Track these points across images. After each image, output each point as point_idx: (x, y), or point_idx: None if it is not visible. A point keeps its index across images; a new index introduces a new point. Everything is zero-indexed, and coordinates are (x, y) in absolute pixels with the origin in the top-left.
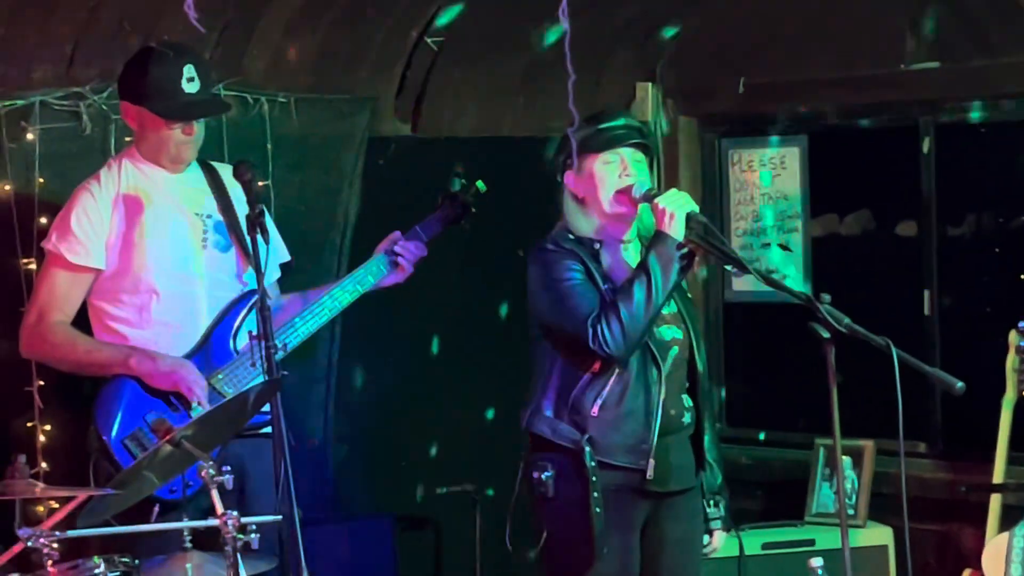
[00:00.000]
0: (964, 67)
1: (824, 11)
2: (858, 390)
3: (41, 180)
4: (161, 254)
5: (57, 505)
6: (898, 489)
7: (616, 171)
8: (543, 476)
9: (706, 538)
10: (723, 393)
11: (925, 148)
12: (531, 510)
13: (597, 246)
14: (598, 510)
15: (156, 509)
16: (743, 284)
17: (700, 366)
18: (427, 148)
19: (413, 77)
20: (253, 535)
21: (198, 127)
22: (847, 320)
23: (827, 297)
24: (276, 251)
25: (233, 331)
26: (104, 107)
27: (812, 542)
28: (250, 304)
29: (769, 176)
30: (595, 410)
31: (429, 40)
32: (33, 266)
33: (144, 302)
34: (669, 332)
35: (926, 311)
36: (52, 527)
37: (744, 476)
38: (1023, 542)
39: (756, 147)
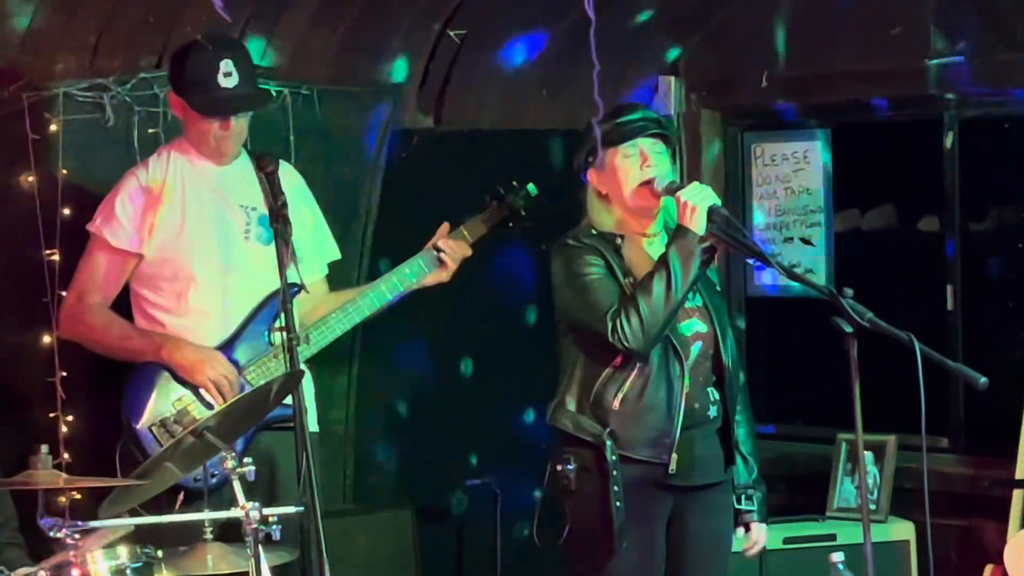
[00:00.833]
0: (988, 61)
1: (848, 4)
2: (880, 385)
3: (64, 171)
4: (202, 244)
5: (79, 496)
6: (920, 484)
7: (636, 163)
8: (566, 468)
9: (740, 531)
10: None
11: (948, 143)
12: (555, 503)
13: (619, 240)
14: (618, 504)
15: (180, 497)
16: (765, 278)
17: (726, 359)
18: (449, 140)
19: (436, 69)
20: (274, 526)
21: (237, 121)
22: (870, 314)
23: (850, 291)
24: (324, 248)
25: (269, 324)
26: (128, 99)
27: (833, 537)
28: (289, 298)
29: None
30: (616, 404)
31: (452, 33)
32: (56, 257)
33: (182, 290)
34: (693, 326)
35: (949, 306)
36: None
37: (765, 471)
38: None
39: (779, 141)
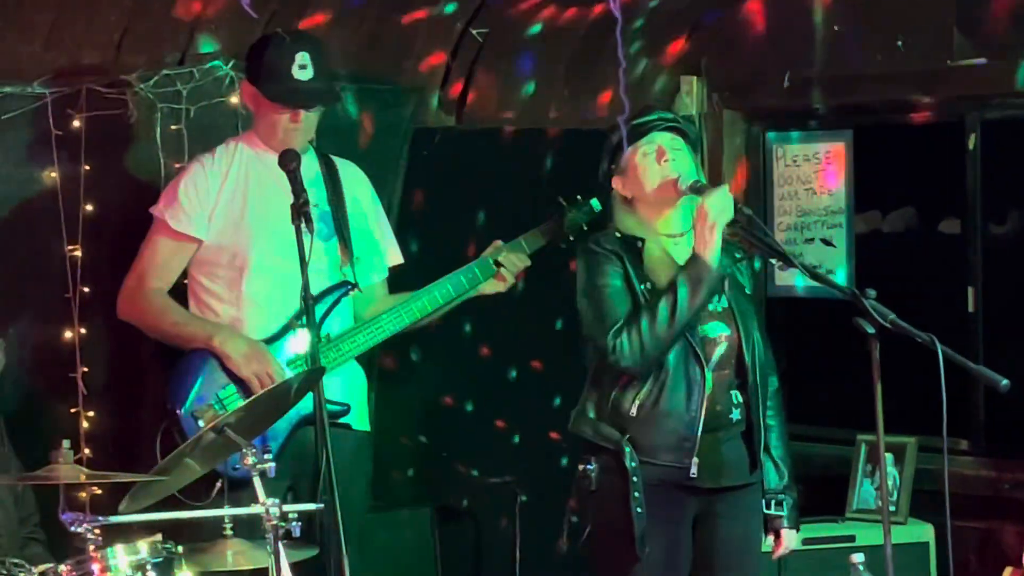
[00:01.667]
0: (1011, 63)
1: (871, 5)
2: (900, 386)
3: (87, 167)
4: (260, 235)
5: (99, 491)
6: (940, 486)
7: (654, 157)
8: (587, 469)
9: (770, 538)
10: None
11: (971, 144)
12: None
13: (640, 244)
14: (639, 510)
15: (218, 485)
16: (786, 279)
17: (748, 360)
18: (472, 139)
19: (458, 68)
20: (294, 523)
21: (306, 115)
22: (892, 316)
23: (872, 292)
24: (385, 250)
25: (320, 319)
26: (151, 95)
27: (852, 538)
28: (340, 295)
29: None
30: (633, 411)
31: (474, 31)
32: (79, 253)
33: (237, 280)
34: (717, 328)
35: (970, 308)
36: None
37: None
38: None
39: (801, 142)
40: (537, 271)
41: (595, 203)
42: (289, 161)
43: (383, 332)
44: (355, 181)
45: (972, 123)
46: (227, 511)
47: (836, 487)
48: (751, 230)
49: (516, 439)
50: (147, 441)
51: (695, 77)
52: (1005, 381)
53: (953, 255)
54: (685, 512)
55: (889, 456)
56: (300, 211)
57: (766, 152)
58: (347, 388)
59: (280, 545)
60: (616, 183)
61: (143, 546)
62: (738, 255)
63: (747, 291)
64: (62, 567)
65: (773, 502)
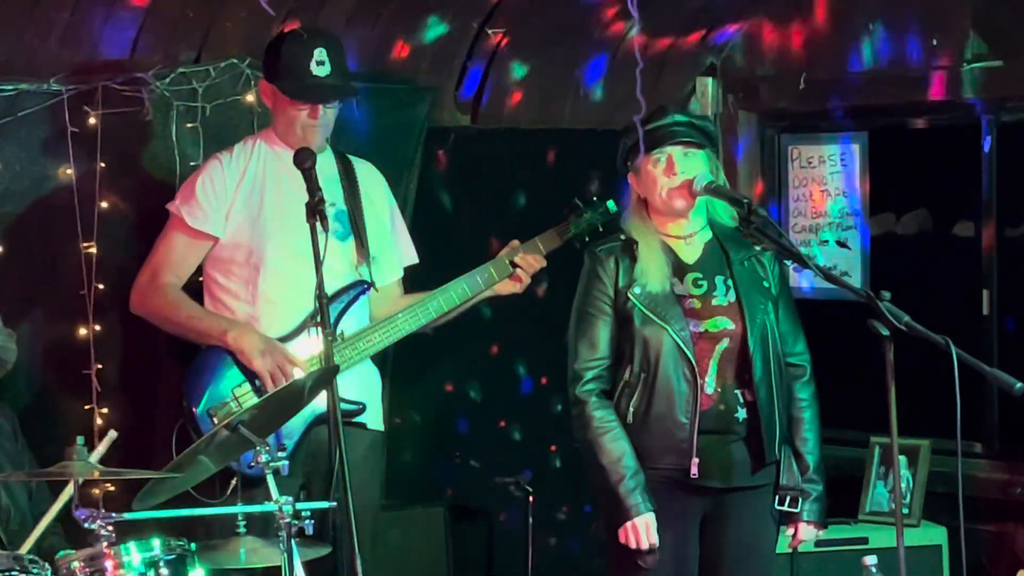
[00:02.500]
0: None
1: (886, 6)
2: (913, 389)
3: (102, 165)
4: (276, 233)
5: (112, 487)
6: (953, 489)
7: (663, 170)
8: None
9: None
10: None
11: (986, 147)
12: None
13: (635, 246)
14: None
15: (234, 483)
16: (799, 280)
17: (753, 354)
18: (486, 139)
19: (473, 67)
20: (307, 521)
21: (325, 112)
22: (907, 318)
23: (887, 294)
24: (401, 251)
25: (335, 318)
26: (166, 93)
27: (865, 540)
28: (356, 294)
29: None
30: (630, 417)
31: (490, 31)
32: (94, 250)
33: (253, 277)
34: (720, 323)
35: (984, 311)
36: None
37: None
38: None
39: (816, 143)
40: (551, 271)
41: (611, 204)
42: (304, 159)
43: (398, 331)
44: (372, 181)
45: (988, 126)
46: (240, 508)
47: (849, 489)
48: (766, 231)
49: (528, 438)
50: (161, 437)
51: (710, 78)
52: (1019, 384)
53: (968, 258)
54: (692, 510)
55: (903, 458)
56: (315, 210)
57: (781, 153)
58: (362, 387)
59: (293, 543)
60: (632, 180)
61: (156, 543)
62: (757, 247)
63: (765, 284)
64: (75, 564)
65: (788, 498)
